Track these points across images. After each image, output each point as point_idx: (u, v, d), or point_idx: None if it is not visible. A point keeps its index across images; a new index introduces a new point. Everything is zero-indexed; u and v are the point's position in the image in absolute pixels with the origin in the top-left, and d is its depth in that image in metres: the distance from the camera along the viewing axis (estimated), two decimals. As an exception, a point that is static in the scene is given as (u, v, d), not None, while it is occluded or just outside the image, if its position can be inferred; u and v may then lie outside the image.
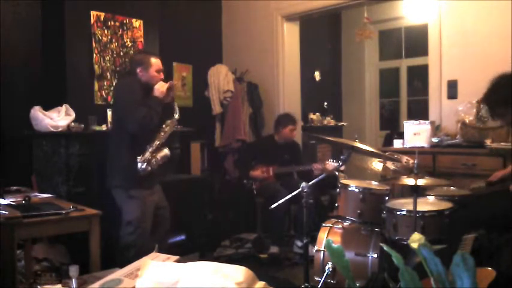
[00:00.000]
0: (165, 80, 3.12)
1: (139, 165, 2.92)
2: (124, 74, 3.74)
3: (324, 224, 3.03)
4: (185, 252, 3.68)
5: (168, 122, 3.12)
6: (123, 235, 2.99)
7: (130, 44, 4.08)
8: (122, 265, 1.97)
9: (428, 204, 2.66)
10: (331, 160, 4.11)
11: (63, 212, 2.44)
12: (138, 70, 3.06)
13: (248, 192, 4.44)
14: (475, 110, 3.52)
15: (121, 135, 3.01)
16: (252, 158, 4.52)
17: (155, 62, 3.09)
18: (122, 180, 3.02)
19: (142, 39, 4.18)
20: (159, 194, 3.22)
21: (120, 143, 3.01)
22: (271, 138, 4.58)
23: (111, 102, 3.70)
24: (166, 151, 3.04)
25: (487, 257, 1.80)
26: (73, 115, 3.53)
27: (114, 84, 3.89)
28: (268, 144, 4.58)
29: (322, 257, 2.85)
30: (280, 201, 2.88)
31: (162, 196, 3.24)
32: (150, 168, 2.94)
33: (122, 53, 4.01)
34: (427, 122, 3.81)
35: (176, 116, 3.13)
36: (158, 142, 3.02)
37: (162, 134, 3.05)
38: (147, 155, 2.95)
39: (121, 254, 2.93)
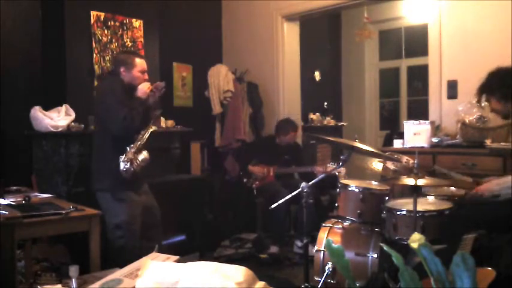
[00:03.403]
0: (150, 81, 3.05)
1: (122, 164, 2.84)
2: (106, 74, 3.66)
3: (324, 224, 3.03)
4: (185, 252, 3.67)
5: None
6: (113, 239, 2.93)
7: (130, 44, 4.08)
8: (122, 265, 1.96)
9: (428, 204, 2.66)
10: (332, 163, 4.09)
11: (63, 212, 2.44)
12: (121, 70, 2.99)
13: (248, 192, 4.44)
14: (475, 110, 3.52)
15: (105, 137, 2.95)
16: (252, 156, 4.52)
17: (139, 62, 3.02)
18: (108, 183, 2.94)
19: (142, 39, 4.18)
20: (147, 195, 3.15)
21: (105, 144, 2.96)
22: (272, 139, 4.58)
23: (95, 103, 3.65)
24: (145, 154, 2.95)
25: (487, 257, 1.80)
26: (73, 115, 3.53)
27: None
28: (269, 144, 4.58)
29: (322, 257, 2.84)
30: (280, 201, 2.88)
31: (150, 196, 3.17)
32: (132, 169, 2.86)
33: (122, 53, 4.01)
34: (427, 122, 3.81)
35: (151, 122, 3.08)
36: (139, 142, 2.93)
37: (140, 136, 2.96)
38: (130, 155, 2.88)
39: (115, 256, 2.85)
